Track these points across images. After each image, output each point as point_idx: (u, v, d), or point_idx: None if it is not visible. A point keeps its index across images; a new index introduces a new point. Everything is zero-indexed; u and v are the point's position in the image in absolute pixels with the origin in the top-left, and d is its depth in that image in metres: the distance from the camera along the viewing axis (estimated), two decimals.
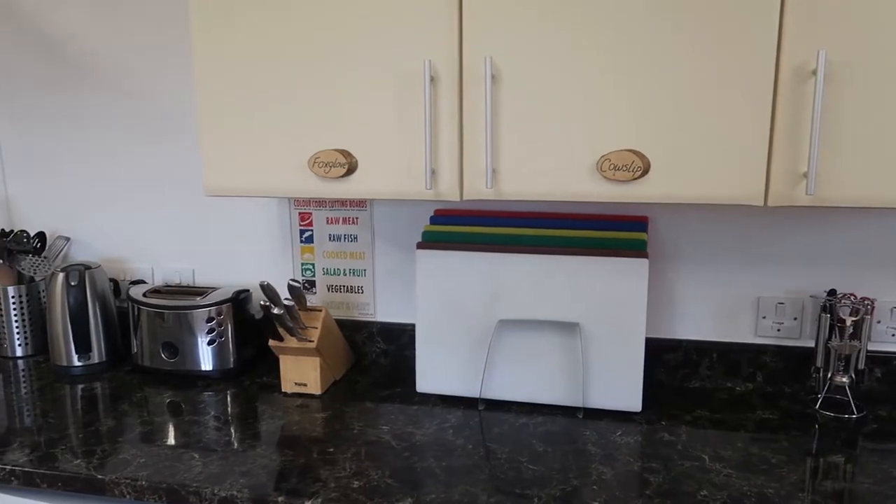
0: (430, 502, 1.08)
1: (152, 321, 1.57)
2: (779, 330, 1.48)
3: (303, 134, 1.26)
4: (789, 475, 1.15)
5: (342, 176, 1.25)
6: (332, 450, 1.25)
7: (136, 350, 1.61)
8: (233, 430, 1.33)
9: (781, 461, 1.20)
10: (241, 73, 1.26)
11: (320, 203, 1.64)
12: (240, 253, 1.72)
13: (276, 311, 1.35)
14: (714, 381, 1.53)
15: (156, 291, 1.63)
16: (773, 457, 1.22)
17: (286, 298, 1.39)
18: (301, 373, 1.47)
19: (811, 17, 1.05)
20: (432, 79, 1.19)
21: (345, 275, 1.67)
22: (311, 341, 1.43)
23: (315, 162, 1.25)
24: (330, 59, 1.22)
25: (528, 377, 1.41)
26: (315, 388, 1.48)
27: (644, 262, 1.33)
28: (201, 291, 1.60)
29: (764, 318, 1.48)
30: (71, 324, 1.58)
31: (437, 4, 1.16)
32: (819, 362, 1.38)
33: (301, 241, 1.67)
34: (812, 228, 1.44)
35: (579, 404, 1.39)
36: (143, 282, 1.75)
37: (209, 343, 1.55)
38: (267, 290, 1.39)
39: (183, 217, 1.74)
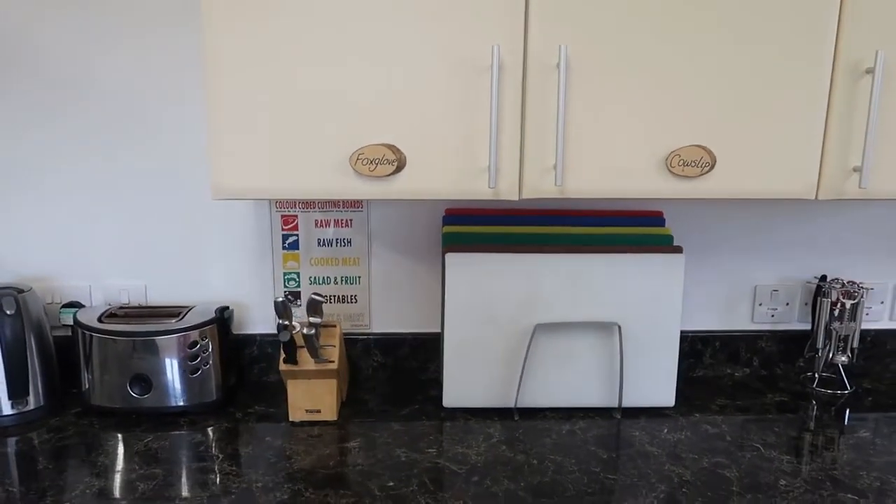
0: None
1: (111, 352, 1.29)
2: (773, 315, 1.56)
3: (343, 126, 1.09)
4: (836, 455, 1.21)
5: (390, 174, 1.11)
6: (392, 483, 1.10)
7: (86, 387, 1.32)
8: (262, 476, 1.12)
9: (822, 442, 1.26)
10: (266, 46, 1.06)
11: (308, 204, 1.45)
12: (205, 264, 1.47)
13: (305, 330, 1.16)
14: (715, 369, 1.58)
15: (112, 315, 1.34)
16: (813, 438, 1.28)
17: (311, 317, 1.21)
18: (314, 398, 1.29)
19: (868, 19, 1.10)
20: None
21: (336, 283, 1.49)
22: (331, 362, 1.26)
23: (358, 158, 1.09)
24: (376, 41, 1.07)
25: (563, 381, 1.36)
26: (330, 413, 1.30)
27: (680, 257, 1.33)
28: (175, 312, 1.35)
29: (760, 305, 1.56)
30: (5, 362, 1.25)
31: None
32: (820, 343, 1.47)
33: (284, 248, 1.47)
34: (799, 218, 1.53)
35: (615, 404, 1.37)
36: (79, 304, 1.44)
37: (192, 372, 1.31)
38: (280, 306, 1.20)
39: (128, 223, 1.44)
